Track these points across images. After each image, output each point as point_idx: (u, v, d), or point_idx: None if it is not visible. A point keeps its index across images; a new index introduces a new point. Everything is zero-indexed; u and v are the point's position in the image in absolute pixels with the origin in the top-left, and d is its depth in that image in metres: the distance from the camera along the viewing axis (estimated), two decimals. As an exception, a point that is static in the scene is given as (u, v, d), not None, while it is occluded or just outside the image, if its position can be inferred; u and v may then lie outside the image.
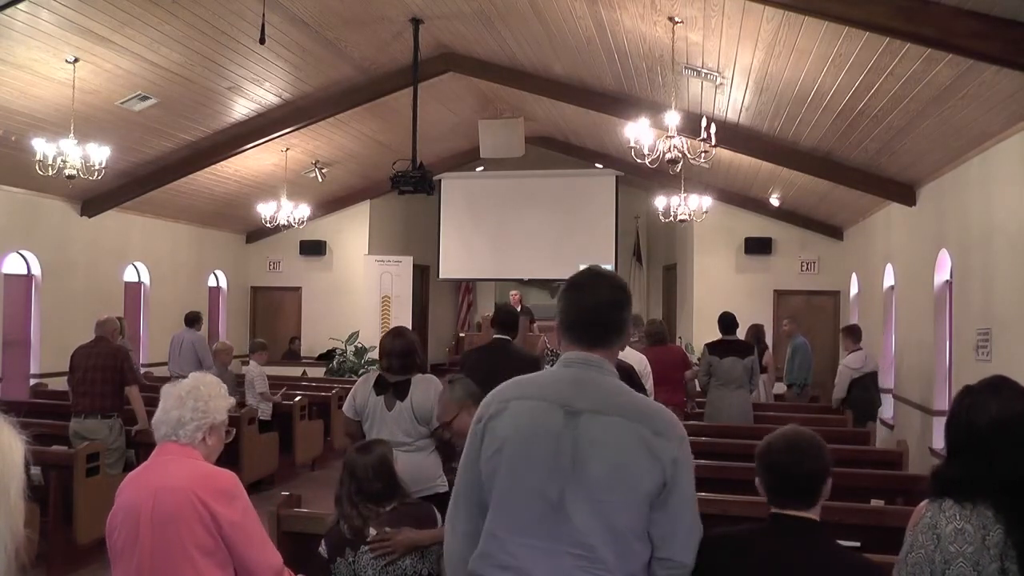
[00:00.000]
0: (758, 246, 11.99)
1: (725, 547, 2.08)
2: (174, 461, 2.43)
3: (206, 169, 9.95)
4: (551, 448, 1.88)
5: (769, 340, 10.17)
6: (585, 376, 1.96)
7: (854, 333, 8.32)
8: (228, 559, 2.39)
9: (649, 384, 6.27)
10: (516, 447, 1.92)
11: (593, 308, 2.00)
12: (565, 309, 2.03)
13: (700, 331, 11.20)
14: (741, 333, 7.95)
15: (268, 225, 11.55)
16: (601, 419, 1.88)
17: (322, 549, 2.92)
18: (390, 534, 2.83)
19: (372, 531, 2.88)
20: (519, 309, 11.69)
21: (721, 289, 11.73)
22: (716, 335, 7.49)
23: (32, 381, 9.22)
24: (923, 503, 2.03)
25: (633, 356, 6.08)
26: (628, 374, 5.29)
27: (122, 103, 7.80)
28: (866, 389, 7.97)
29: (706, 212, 9.95)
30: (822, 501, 2.05)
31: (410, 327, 11.74)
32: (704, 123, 6.42)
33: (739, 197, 11.51)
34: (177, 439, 2.46)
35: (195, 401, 2.48)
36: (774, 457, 2.07)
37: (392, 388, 4.01)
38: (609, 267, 13.31)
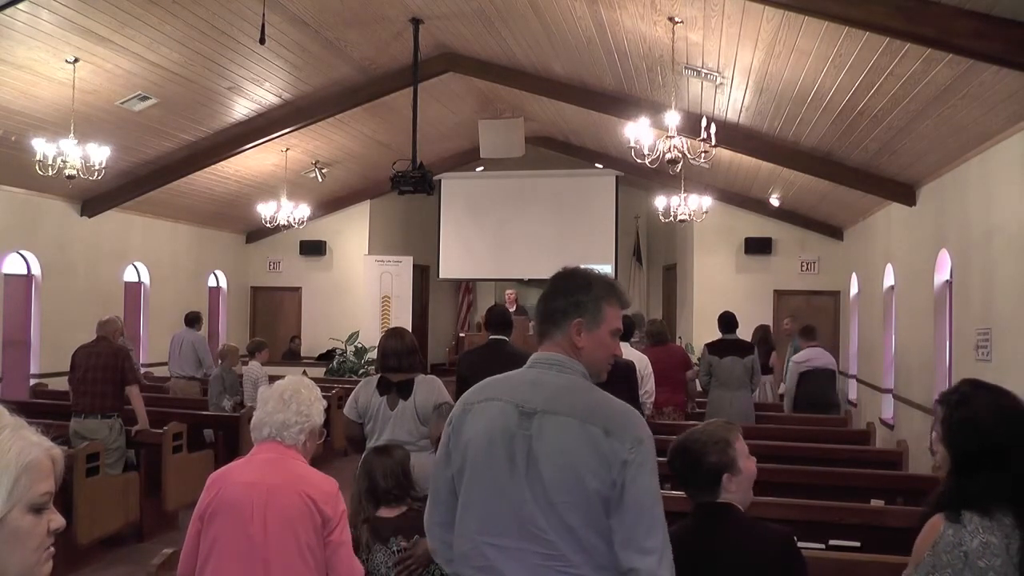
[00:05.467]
0: (758, 246, 11.99)
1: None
2: (280, 461, 2.51)
3: (206, 169, 9.95)
4: (508, 450, 1.90)
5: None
6: (544, 376, 1.97)
7: (806, 333, 8.40)
8: (324, 561, 2.48)
9: (650, 384, 6.28)
10: (478, 449, 1.95)
11: (539, 303, 2.07)
12: None
13: (700, 331, 11.20)
14: (747, 334, 7.95)
15: (268, 225, 11.55)
16: (553, 419, 1.89)
17: None
18: (409, 551, 2.86)
19: (395, 539, 2.92)
20: (514, 309, 11.75)
21: (721, 289, 11.72)
22: (716, 335, 7.49)
23: (32, 381, 9.23)
24: (934, 520, 1.97)
25: (634, 356, 6.09)
26: (627, 371, 5.31)
27: (122, 103, 7.80)
28: (816, 383, 7.96)
29: (706, 212, 9.95)
30: (729, 493, 2.24)
31: (410, 327, 11.78)
32: (704, 123, 6.42)
33: (739, 197, 11.51)
34: (282, 440, 2.53)
35: (298, 405, 2.55)
36: (671, 453, 2.33)
37: (395, 388, 4.03)
38: (609, 267, 13.32)
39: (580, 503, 1.83)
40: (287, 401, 2.54)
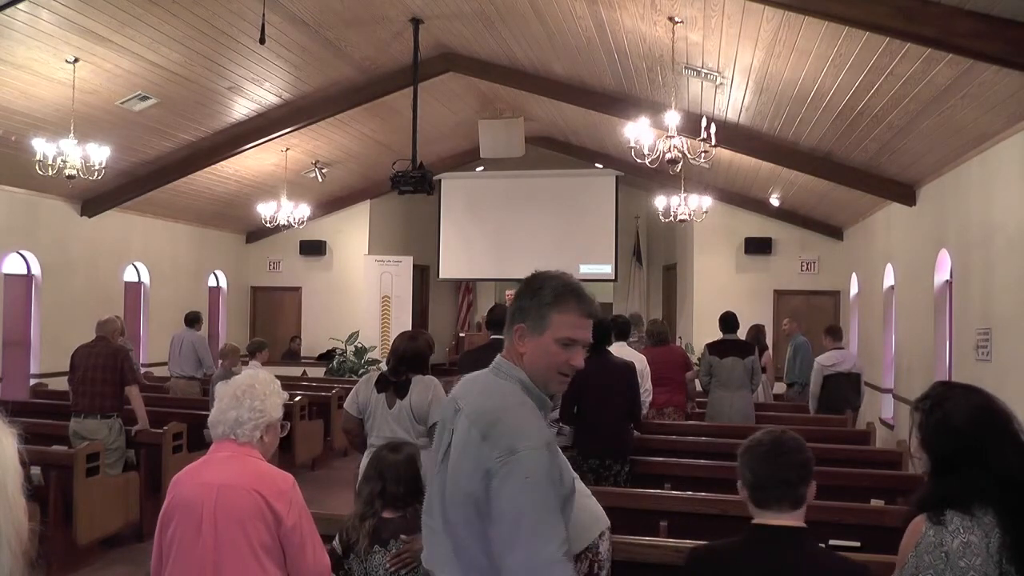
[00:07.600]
0: (758, 246, 11.99)
1: (708, 561, 2.07)
2: (235, 459, 2.48)
3: (206, 169, 9.95)
4: (444, 442, 1.98)
5: (769, 340, 10.17)
6: (483, 378, 2.03)
7: (832, 333, 8.30)
8: (283, 558, 2.44)
9: (647, 384, 6.29)
10: (435, 437, 2.08)
11: None
12: None
13: (700, 331, 11.21)
14: (742, 334, 7.93)
15: (268, 225, 11.56)
16: (459, 417, 1.93)
17: (335, 544, 2.90)
18: (409, 544, 2.81)
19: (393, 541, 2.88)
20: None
21: (721, 289, 11.73)
22: (716, 335, 7.48)
23: (32, 381, 9.22)
24: (916, 521, 1.99)
25: (633, 356, 6.10)
26: (627, 372, 5.31)
27: (122, 103, 7.80)
28: (838, 387, 7.85)
29: (706, 212, 9.95)
30: (806, 504, 2.02)
31: (410, 327, 11.79)
32: (704, 123, 6.42)
33: (739, 197, 11.51)
34: (236, 438, 2.50)
35: (251, 400, 2.52)
36: (760, 451, 2.04)
37: (393, 387, 4.07)
38: (609, 267, 13.35)
39: (459, 502, 1.86)
40: (239, 398, 2.51)
